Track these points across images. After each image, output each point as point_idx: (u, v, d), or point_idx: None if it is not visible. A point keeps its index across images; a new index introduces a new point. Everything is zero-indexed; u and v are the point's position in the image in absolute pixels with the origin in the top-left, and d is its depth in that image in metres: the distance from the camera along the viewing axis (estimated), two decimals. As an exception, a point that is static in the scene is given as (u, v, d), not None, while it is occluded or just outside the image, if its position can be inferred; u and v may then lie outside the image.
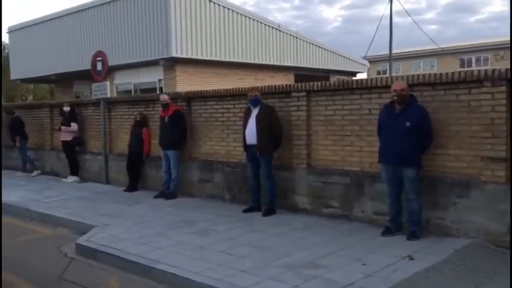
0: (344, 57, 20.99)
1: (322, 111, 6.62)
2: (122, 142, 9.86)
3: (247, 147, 6.97)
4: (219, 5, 15.92)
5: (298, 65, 18.89)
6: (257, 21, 17.22)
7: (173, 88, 14.96)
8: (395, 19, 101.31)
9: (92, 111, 10.60)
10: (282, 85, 7.12)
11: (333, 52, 20.35)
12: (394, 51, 28.52)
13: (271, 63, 17.84)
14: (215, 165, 8.07)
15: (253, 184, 7.09)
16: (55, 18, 19.54)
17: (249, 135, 6.86)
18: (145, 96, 9.28)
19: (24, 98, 55.43)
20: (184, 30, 15.09)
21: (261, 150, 6.78)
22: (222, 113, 7.98)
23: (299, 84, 6.96)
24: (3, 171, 12.44)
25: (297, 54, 18.71)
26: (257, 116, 6.81)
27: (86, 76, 19.72)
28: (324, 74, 20.18)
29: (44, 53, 19.96)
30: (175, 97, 8.58)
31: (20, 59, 21.30)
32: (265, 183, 6.93)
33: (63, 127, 10.60)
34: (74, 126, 10.60)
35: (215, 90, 8.23)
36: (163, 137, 8.40)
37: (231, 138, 7.85)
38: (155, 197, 8.44)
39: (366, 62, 23.01)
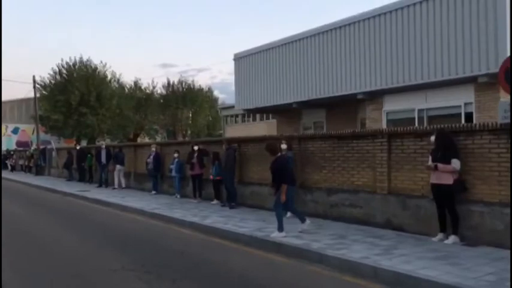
0: None
1: None
2: None
3: None
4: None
5: None
6: None
7: (493, 113, 11.37)
8: None
9: (487, 141, 7.33)
10: None
11: None
12: None
13: None
14: None
15: None
16: (293, 41, 17.45)
17: None
18: None
19: (184, 132, 57.25)
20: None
21: None
22: None
23: None
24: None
25: None
26: None
27: (325, 105, 17.36)
28: None
29: (279, 79, 17.94)
30: None
31: (246, 87, 19.66)
32: None
33: (440, 165, 7.50)
34: (455, 163, 7.43)
35: None
36: None
37: None
38: None
39: None
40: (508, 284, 5.28)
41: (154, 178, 16.60)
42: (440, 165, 7.48)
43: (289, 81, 17.41)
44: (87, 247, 8.40)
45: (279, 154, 8.95)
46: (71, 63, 47.72)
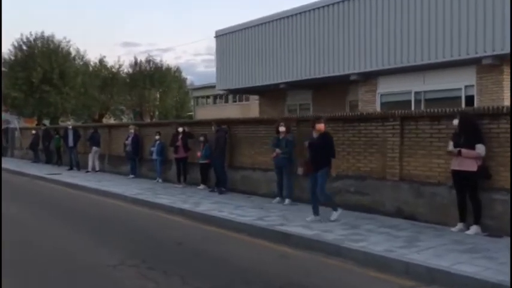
0: None
1: None
2: None
3: None
4: None
5: None
6: None
7: (495, 97, 11.04)
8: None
9: (515, 125, 6.84)
10: None
11: None
12: None
13: None
14: None
15: None
16: (280, 18, 16.58)
17: None
18: None
19: (152, 114, 55.66)
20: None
21: None
22: None
23: None
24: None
25: None
26: None
27: (312, 86, 16.59)
28: None
29: (265, 59, 17.13)
30: None
31: (228, 66, 18.71)
32: None
33: (464, 150, 7.01)
34: (480, 148, 6.96)
35: None
36: None
37: None
38: None
39: None
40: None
41: (133, 161, 15.63)
42: (464, 150, 6.99)
43: (276, 61, 16.62)
44: (76, 239, 7.53)
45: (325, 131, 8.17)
46: (31, 39, 45.21)
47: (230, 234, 7.85)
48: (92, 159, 17.57)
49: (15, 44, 45.12)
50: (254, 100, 40.81)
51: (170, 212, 9.76)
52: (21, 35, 45.24)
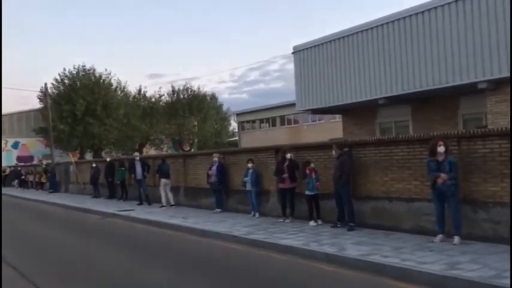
0: None
1: None
2: None
3: None
4: None
5: None
6: None
7: None
8: None
9: None
10: None
11: None
12: None
13: None
14: None
15: None
16: (375, 27, 14.71)
17: None
18: None
19: (191, 142, 54.49)
20: None
21: None
22: None
23: None
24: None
25: None
26: None
27: (412, 100, 14.62)
28: None
29: (355, 73, 15.32)
30: None
31: (310, 85, 16.93)
32: None
33: None
34: None
35: None
36: None
37: None
38: None
39: None
40: None
41: (218, 193, 13.83)
42: None
43: (368, 75, 14.77)
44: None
45: None
46: (74, 72, 45.06)
47: (426, 291, 5.85)
48: (164, 193, 15.91)
49: (58, 78, 45.02)
50: (304, 123, 39.15)
51: (310, 257, 7.80)
52: (64, 69, 45.12)
